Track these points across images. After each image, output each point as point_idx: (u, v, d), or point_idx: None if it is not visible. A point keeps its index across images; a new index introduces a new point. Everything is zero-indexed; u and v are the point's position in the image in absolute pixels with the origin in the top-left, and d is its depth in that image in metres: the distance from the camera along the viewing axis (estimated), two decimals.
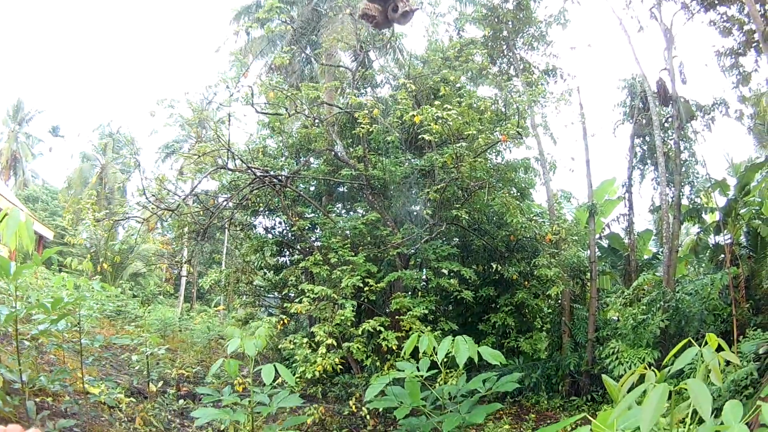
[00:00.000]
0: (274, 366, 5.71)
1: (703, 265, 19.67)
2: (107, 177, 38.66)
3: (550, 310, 17.40)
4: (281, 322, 15.20)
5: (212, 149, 15.66)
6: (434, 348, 6.02)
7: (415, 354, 6.34)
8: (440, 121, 13.21)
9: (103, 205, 36.22)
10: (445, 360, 5.90)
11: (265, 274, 19.16)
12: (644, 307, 14.65)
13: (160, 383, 12.17)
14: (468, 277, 15.08)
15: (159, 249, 22.64)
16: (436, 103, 13.40)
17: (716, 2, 17.03)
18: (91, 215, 15.35)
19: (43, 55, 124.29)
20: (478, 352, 5.84)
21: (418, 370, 6.46)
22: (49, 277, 24.41)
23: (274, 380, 5.77)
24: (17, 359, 7.54)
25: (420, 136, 14.35)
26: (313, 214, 17.33)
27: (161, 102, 15.34)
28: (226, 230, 18.57)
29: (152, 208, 14.83)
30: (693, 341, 4.36)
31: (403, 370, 6.65)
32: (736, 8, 16.91)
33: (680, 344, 4.46)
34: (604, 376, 8.25)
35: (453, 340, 5.89)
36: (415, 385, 6.30)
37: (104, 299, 11.69)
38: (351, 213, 18.82)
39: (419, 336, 6.04)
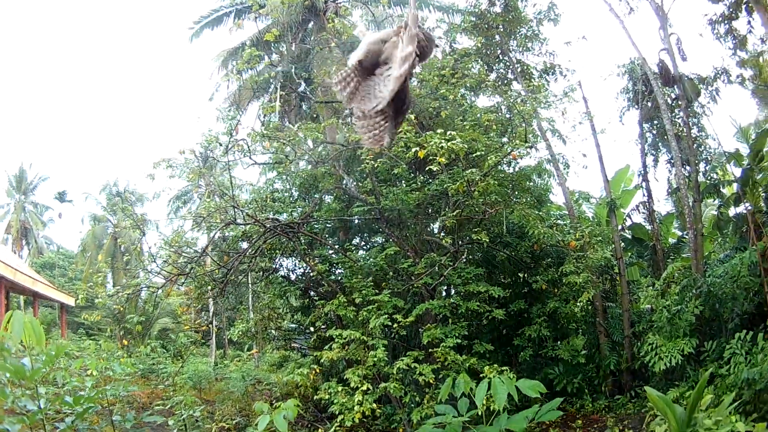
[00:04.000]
0: None
1: (728, 239, 19.37)
2: (121, 237, 38.69)
3: (583, 313, 17.09)
4: (313, 371, 14.91)
5: (218, 206, 15.53)
6: (471, 388, 5.93)
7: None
8: (444, 150, 12.88)
9: (121, 265, 36.36)
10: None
11: (293, 316, 18.99)
12: (676, 297, 14.38)
13: None
14: (497, 296, 14.80)
15: (183, 300, 22.56)
16: (440, 131, 13.05)
17: None
18: (103, 293, 15.43)
19: (38, 121, 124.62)
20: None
21: (458, 413, 6.28)
22: (79, 340, 24.62)
23: None
24: None
25: (428, 167, 14.01)
26: (331, 252, 17.15)
27: (158, 165, 15.16)
28: (248, 280, 18.34)
29: (165, 275, 14.73)
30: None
31: (443, 414, 6.45)
32: None
33: None
34: (647, 388, 8.00)
35: (489, 382, 5.80)
36: (455, 430, 6.12)
37: (131, 366, 11.56)
38: (370, 244, 18.60)
39: (454, 379, 5.98)
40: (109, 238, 40.34)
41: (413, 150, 13.01)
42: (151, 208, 59.05)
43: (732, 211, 17.71)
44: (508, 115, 16.07)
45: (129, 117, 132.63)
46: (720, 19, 16.76)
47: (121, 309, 22.71)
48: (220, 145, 14.84)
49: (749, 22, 16.38)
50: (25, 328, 5.83)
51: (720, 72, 17.60)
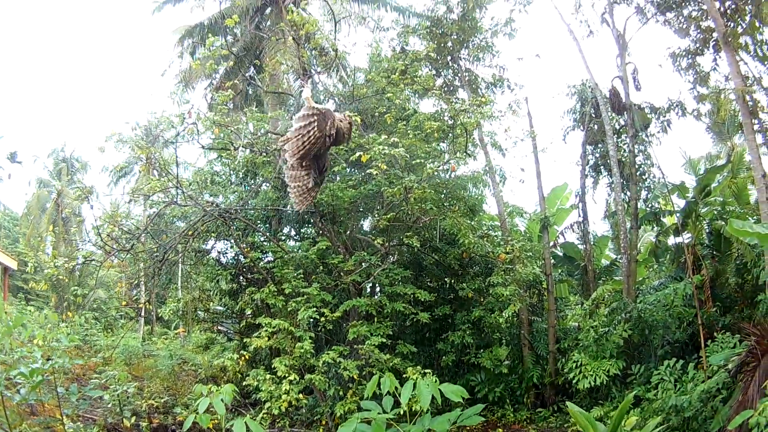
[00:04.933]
0: (245, 423, 5.72)
1: (664, 267, 19.70)
2: (63, 203, 38.24)
3: (508, 324, 17.31)
4: (242, 357, 14.96)
5: (161, 185, 15.50)
6: (396, 387, 6.10)
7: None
8: (387, 156, 12.93)
9: (61, 233, 35.89)
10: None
11: (221, 299, 18.97)
12: (605, 318, 14.64)
13: (133, 418, 12.23)
14: (423, 299, 14.97)
15: (117, 274, 22.52)
16: (384, 136, 13.16)
17: (673, 5, 16.93)
18: (51, 262, 15.35)
19: None
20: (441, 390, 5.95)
21: (383, 410, 6.43)
22: (19, 305, 24.39)
23: None
24: (6, 418, 7.75)
25: (368, 169, 14.03)
26: (263, 240, 17.09)
27: (109, 138, 15.00)
28: (181, 260, 18.30)
29: (107, 249, 14.69)
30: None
31: (369, 410, 6.59)
32: (693, 6, 16.72)
33: None
34: (569, 404, 8.20)
35: (415, 383, 6.01)
36: (380, 426, 6.27)
37: (70, 337, 11.63)
38: (301, 235, 18.67)
39: (380, 377, 6.15)
40: (52, 203, 39.83)
41: (357, 154, 13.02)
42: (94, 177, 58.20)
43: (671, 241, 18.02)
44: (450, 122, 16.13)
45: (87, 83, 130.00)
46: (684, 53, 16.99)
47: (66, 279, 22.53)
48: (173, 127, 14.73)
49: (715, 60, 16.62)
50: None
51: (675, 104, 17.96)
